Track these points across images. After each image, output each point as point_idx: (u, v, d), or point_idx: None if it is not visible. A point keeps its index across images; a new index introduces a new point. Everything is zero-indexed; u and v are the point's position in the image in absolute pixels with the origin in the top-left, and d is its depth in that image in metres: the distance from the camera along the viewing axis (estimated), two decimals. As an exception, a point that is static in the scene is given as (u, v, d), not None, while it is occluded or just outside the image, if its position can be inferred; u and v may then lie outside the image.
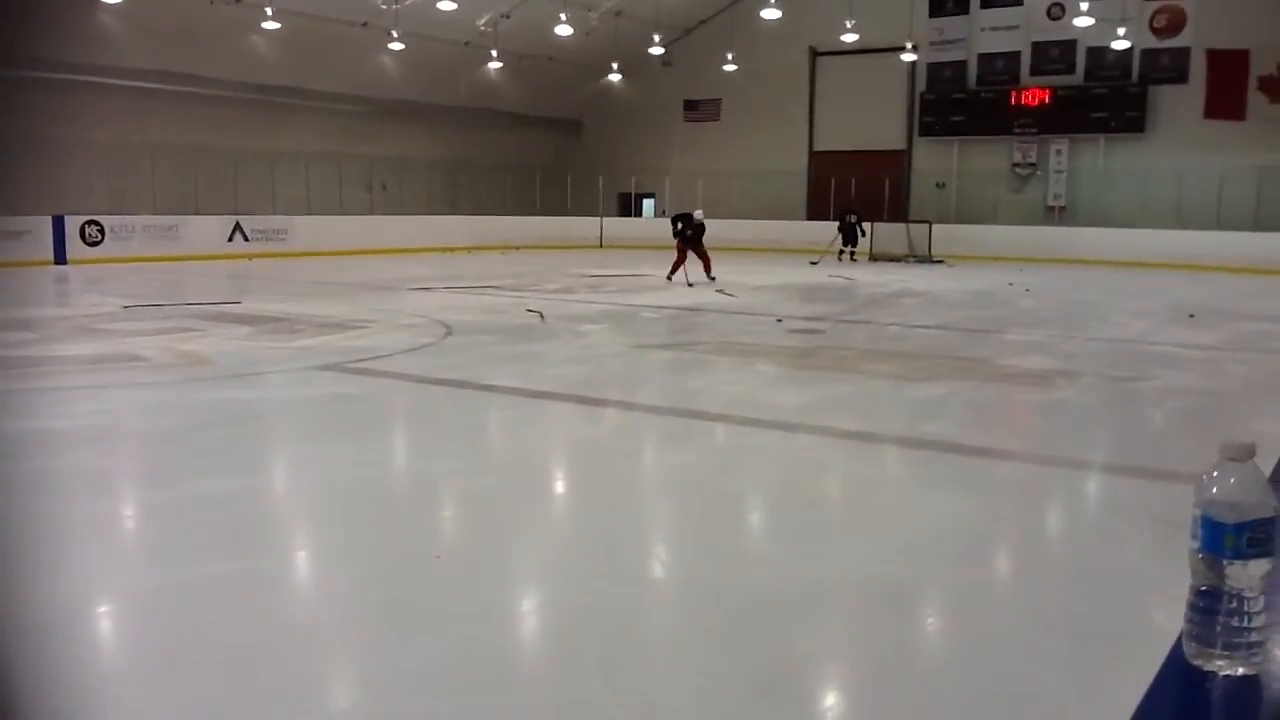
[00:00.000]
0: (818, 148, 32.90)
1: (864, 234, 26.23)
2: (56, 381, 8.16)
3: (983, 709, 2.97)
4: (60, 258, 20.52)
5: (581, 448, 6.52)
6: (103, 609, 3.79)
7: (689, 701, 3.04)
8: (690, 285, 17.24)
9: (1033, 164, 29.61)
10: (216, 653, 3.30)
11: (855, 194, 29.82)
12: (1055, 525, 5.04)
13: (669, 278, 18.03)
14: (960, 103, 30.40)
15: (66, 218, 20.80)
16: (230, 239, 23.92)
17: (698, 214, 18.62)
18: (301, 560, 4.42)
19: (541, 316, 12.49)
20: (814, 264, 21.33)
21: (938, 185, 30.79)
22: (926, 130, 31.05)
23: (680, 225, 18.44)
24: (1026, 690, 3.09)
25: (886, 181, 30.44)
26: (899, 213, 29.81)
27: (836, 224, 26.19)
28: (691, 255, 18.26)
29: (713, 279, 17.95)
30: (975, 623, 3.64)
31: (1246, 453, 1.46)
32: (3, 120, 20.11)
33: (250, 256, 23.57)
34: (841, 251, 24.92)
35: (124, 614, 3.76)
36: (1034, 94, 29.37)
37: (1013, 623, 3.63)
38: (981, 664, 3.29)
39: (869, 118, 31.63)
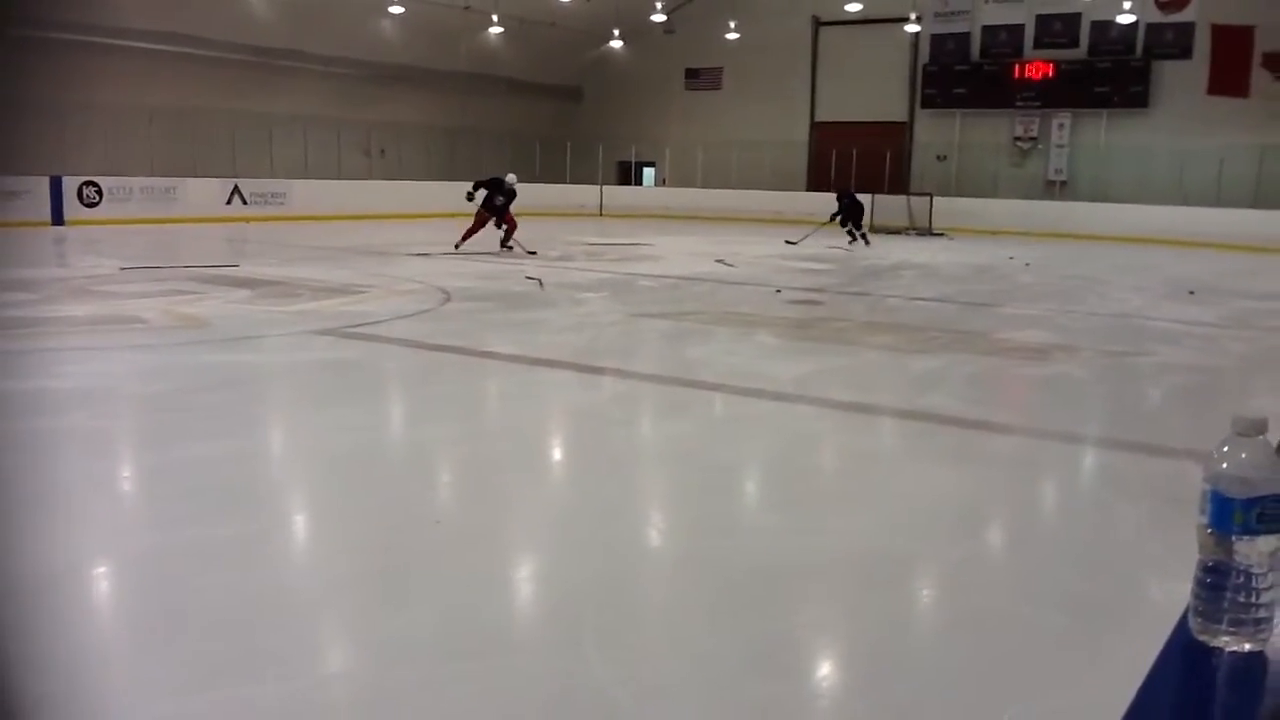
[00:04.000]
0: (819, 118, 32.73)
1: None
2: (54, 342, 8.13)
3: (977, 683, 2.98)
4: (58, 219, 20.42)
5: (579, 416, 6.51)
6: (97, 570, 3.79)
7: (684, 671, 3.04)
8: (532, 253, 16.25)
9: (1034, 138, 29.49)
10: (211, 616, 3.30)
11: (856, 165, 29.70)
12: (1052, 499, 5.05)
13: (457, 246, 16.55)
14: (963, 75, 30.24)
15: (64, 179, 20.68)
16: (229, 202, 23.81)
17: (510, 178, 17.06)
18: (297, 525, 4.42)
19: (540, 284, 12.46)
20: (791, 244, 20.40)
21: (939, 158, 30.68)
22: (928, 102, 30.89)
23: (488, 193, 16.83)
24: (1022, 665, 3.10)
25: (888, 153, 30.32)
26: (900, 185, 29.72)
27: (837, 203, 24.85)
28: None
29: (509, 247, 16.76)
30: (970, 596, 3.65)
31: (1258, 428, 1.45)
32: (1, 80, 19.96)
33: (248, 220, 23.47)
34: (851, 232, 22.98)
35: (118, 576, 3.76)
36: (1037, 67, 29.20)
37: (1008, 597, 3.64)
38: (976, 638, 3.30)
39: (871, 89, 31.45)
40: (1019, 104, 29.49)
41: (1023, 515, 4.69)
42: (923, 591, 3.80)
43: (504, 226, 16.83)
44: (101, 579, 3.75)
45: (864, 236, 21.65)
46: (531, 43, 32.02)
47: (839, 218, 21.69)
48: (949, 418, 6.32)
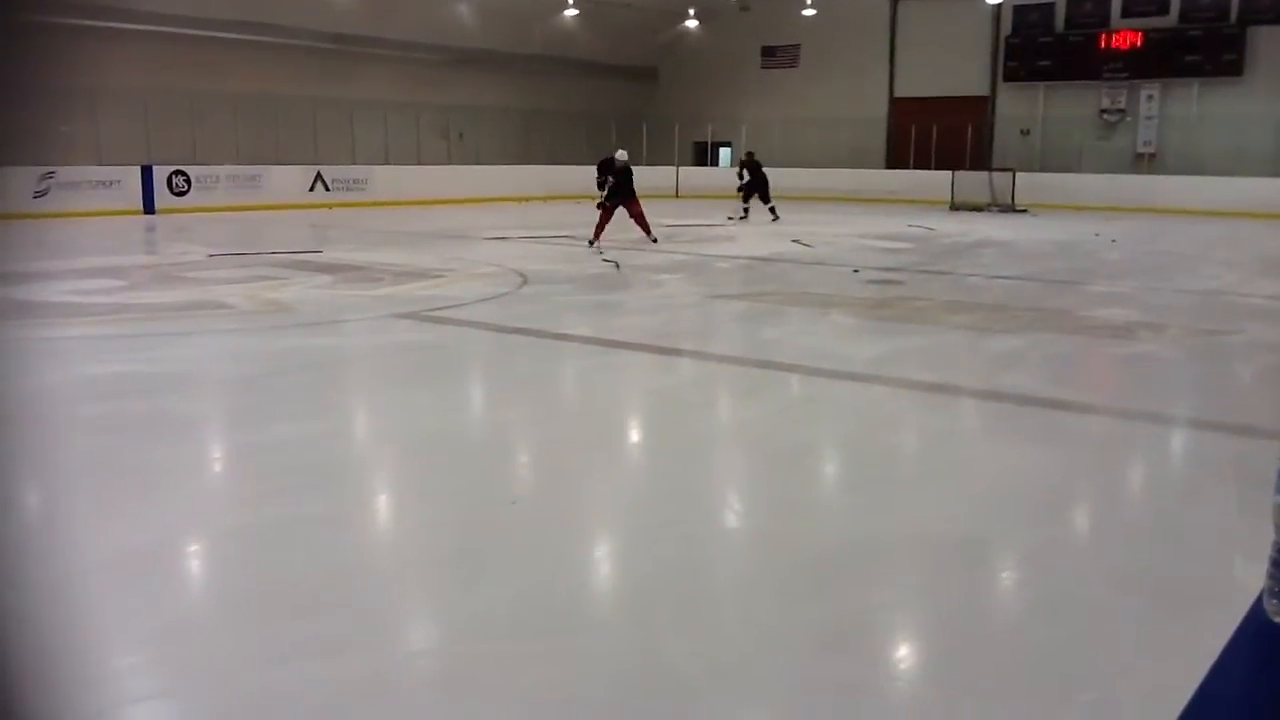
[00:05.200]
0: (898, 94, 32.22)
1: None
2: (145, 328, 8.39)
3: (1055, 666, 2.95)
4: (149, 207, 21.00)
5: (655, 397, 6.54)
6: (188, 548, 3.92)
7: (758, 650, 3.07)
8: (604, 259, 13.40)
9: (1122, 110, 28.68)
10: (296, 593, 3.40)
11: (936, 141, 29.21)
12: (1133, 480, 4.95)
13: (591, 243, 14.57)
14: (1047, 47, 29.50)
15: (154, 168, 21.25)
16: (311, 189, 24.25)
17: (620, 155, 15.34)
18: (379, 504, 4.53)
19: (617, 266, 12.50)
20: (733, 220, 19.49)
21: (1022, 132, 30.01)
22: (1011, 75, 30.21)
23: (603, 177, 15.36)
24: (1099, 646, 3.06)
25: (969, 128, 29.74)
26: (981, 160, 29.15)
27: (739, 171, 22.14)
28: (623, 214, 15.04)
29: (655, 239, 15.19)
30: (1049, 579, 3.61)
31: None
32: (92, 73, 20.58)
33: (331, 206, 23.89)
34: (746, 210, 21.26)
35: (208, 553, 3.90)
36: (1125, 37, 28.37)
37: (1088, 579, 3.59)
38: (1055, 620, 3.26)
39: (951, 63, 30.84)
40: (1106, 75, 28.69)
41: (1104, 497, 4.62)
42: (1001, 573, 3.76)
43: (634, 218, 15.08)
44: (192, 556, 3.88)
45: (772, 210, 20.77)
46: (606, 24, 31.99)
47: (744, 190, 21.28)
48: (1030, 398, 6.22)
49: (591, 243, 14.55)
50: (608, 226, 14.77)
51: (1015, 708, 2.73)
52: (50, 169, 19.46)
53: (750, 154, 22.08)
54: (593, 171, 17.33)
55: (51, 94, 19.78)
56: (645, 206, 15.26)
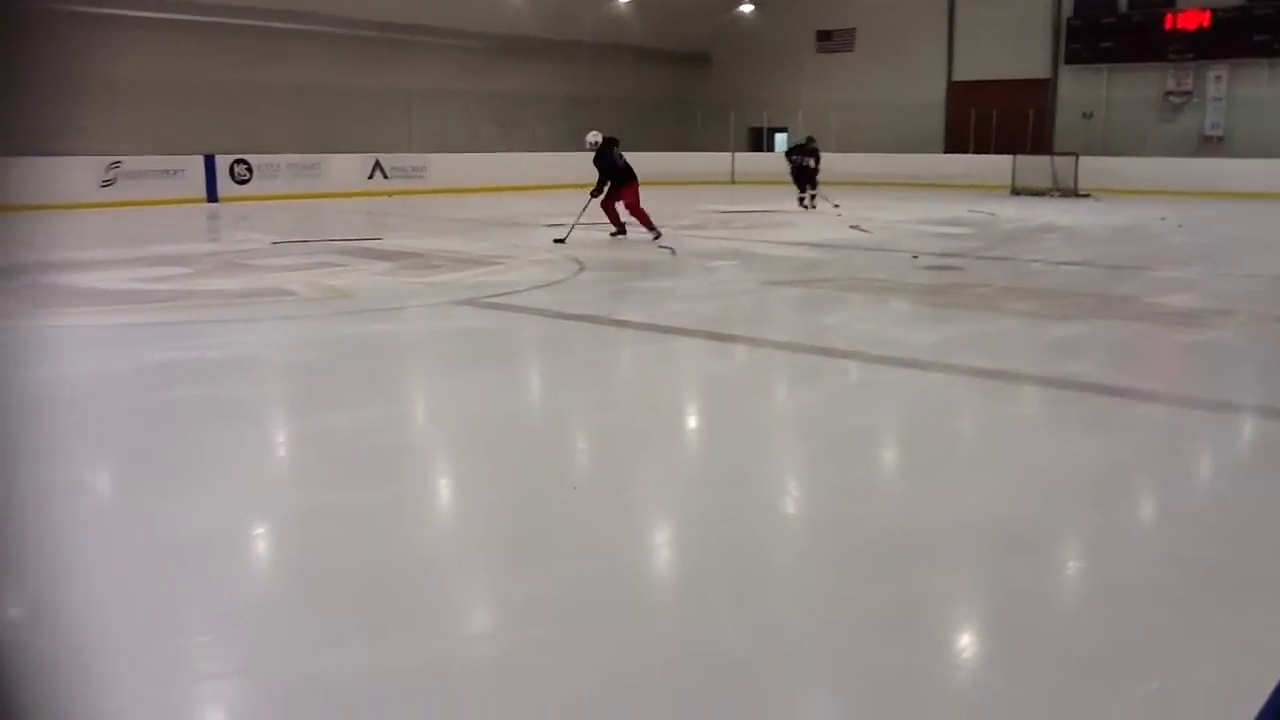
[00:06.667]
0: (956, 78, 31.80)
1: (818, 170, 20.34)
2: (209, 314, 8.55)
3: (1115, 655, 2.92)
4: (211, 195, 21.35)
5: (711, 383, 6.55)
6: (251, 531, 4.00)
7: (815, 637, 3.07)
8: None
9: (1188, 92, 28.04)
10: (357, 576, 3.46)
11: (996, 125, 28.80)
12: (1196, 469, 4.87)
13: (656, 239, 13.59)
14: (1110, 28, 28.90)
15: (217, 157, 21.60)
16: (370, 176, 24.50)
17: (590, 137, 14.10)
18: (439, 489, 4.59)
19: (673, 253, 12.49)
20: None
21: (1084, 115, 29.46)
22: (1073, 58, 29.65)
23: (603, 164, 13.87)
24: (1162, 635, 3.03)
25: (1030, 112, 29.27)
26: (1043, 145, 28.68)
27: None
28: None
29: (658, 237, 13.65)
30: (1110, 567, 3.57)
31: None
32: (156, 64, 20.97)
33: (390, 193, 24.12)
34: (801, 197, 20.09)
35: (269, 537, 3.97)
36: (1191, 17, 27.71)
37: (1149, 568, 3.55)
38: (1116, 610, 3.23)
39: (1011, 46, 30.34)
40: (1171, 56, 28.05)
41: (1166, 485, 4.55)
42: (1060, 561, 3.73)
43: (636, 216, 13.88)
44: (253, 539, 3.96)
45: (811, 199, 19.86)
46: (659, 9, 31.91)
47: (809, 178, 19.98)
48: (1092, 385, 6.14)
49: (623, 233, 13.91)
50: (638, 213, 13.80)
51: (1079, 695, 2.71)
52: (116, 159, 19.87)
53: (810, 139, 20.91)
54: (647, 160, 16.94)
55: (117, 85, 20.21)
56: (701, 192, 15.09)
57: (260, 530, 4.02)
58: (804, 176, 20.10)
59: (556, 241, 13.29)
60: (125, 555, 3.68)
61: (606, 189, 13.83)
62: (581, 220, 13.61)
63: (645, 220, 13.81)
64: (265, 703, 2.76)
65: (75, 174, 19.31)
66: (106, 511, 4.27)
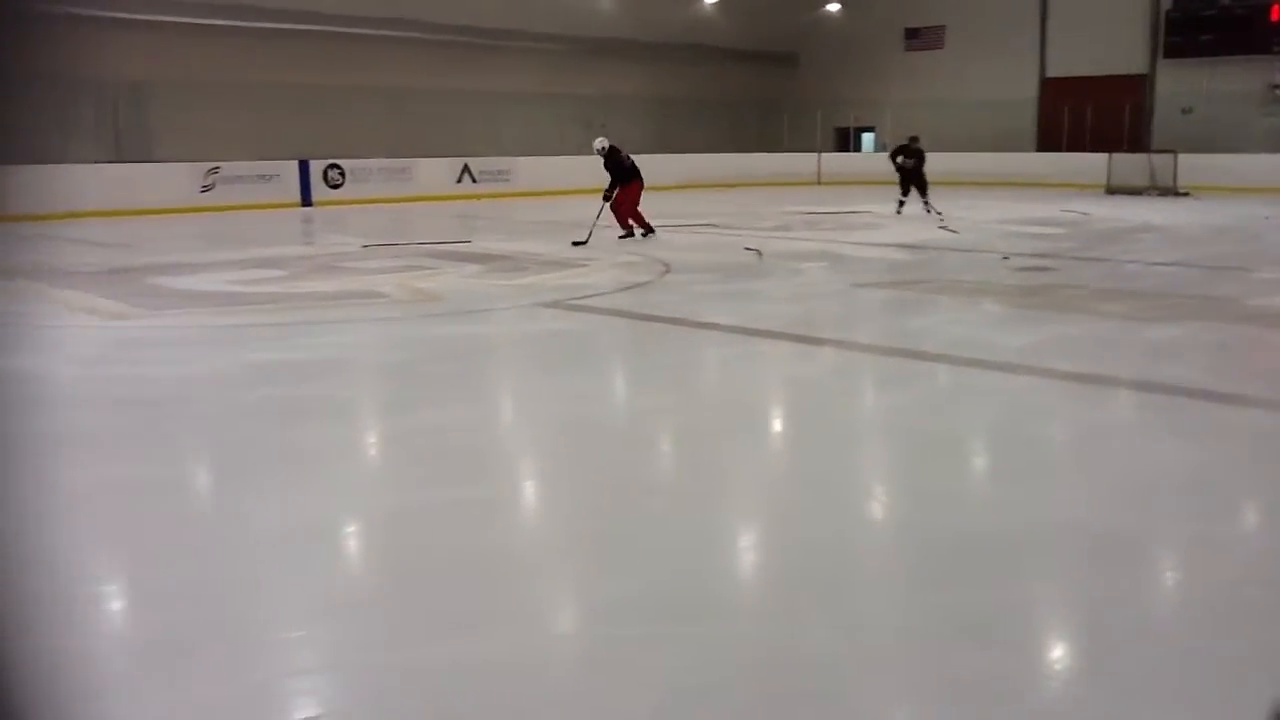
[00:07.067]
0: (1050, 74, 31.15)
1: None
2: (304, 316, 8.77)
3: (1208, 666, 2.85)
4: (306, 199, 21.88)
5: (797, 386, 6.53)
6: (342, 529, 4.10)
7: (900, 640, 3.05)
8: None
9: (1295, 85, 27.12)
10: (445, 574, 3.53)
11: (1091, 122, 28.15)
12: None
13: (628, 235, 14.14)
14: (1210, 20, 28.05)
15: (311, 162, 22.13)
16: (459, 180, 24.86)
17: (597, 144, 14.51)
18: (526, 489, 4.66)
19: (759, 255, 12.46)
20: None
21: (1184, 111, 28.64)
22: (1172, 51, 28.83)
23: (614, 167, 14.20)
24: (1249, 650, 2.94)
25: (1126, 108, 28.55)
26: (1139, 142, 27.95)
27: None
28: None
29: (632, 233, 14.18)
30: (1203, 577, 3.49)
31: None
32: (254, 71, 21.58)
33: (478, 197, 24.44)
34: (902, 200, 18.84)
35: (360, 534, 4.08)
36: (1298, 6, 26.79)
37: (1244, 578, 3.46)
38: (1209, 620, 3.15)
39: (1107, 40, 29.61)
40: (1275, 49, 27.12)
41: (1265, 494, 4.41)
42: (1154, 570, 3.65)
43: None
44: (346, 536, 4.07)
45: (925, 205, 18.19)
46: (745, 9, 31.82)
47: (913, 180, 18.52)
48: (1189, 390, 5.98)
49: (630, 234, 14.08)
50: (632, 213, 14.18)
51: (1168, 711, 2.65)
52: (215, 164, 20.48)
53: (913, 139, 19.30)
54: (732, 161, 16.96)
55: (216, 92, 20.86)
56: (787, 193, 15.05)
57: (352, 527, 4.13)
58: (903, 179, 18.90)
59: (576, 244, 13.40)
60: (222, 549, 3.81)
61: (616, 191, 14.15)
62: (600, 223, 13.74)
63: (626, 218, 14.12)
64: (356, 697, 2.83)
65: (177, 179, 19.98)
66: (205, 506, 4.43)
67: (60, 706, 2.72)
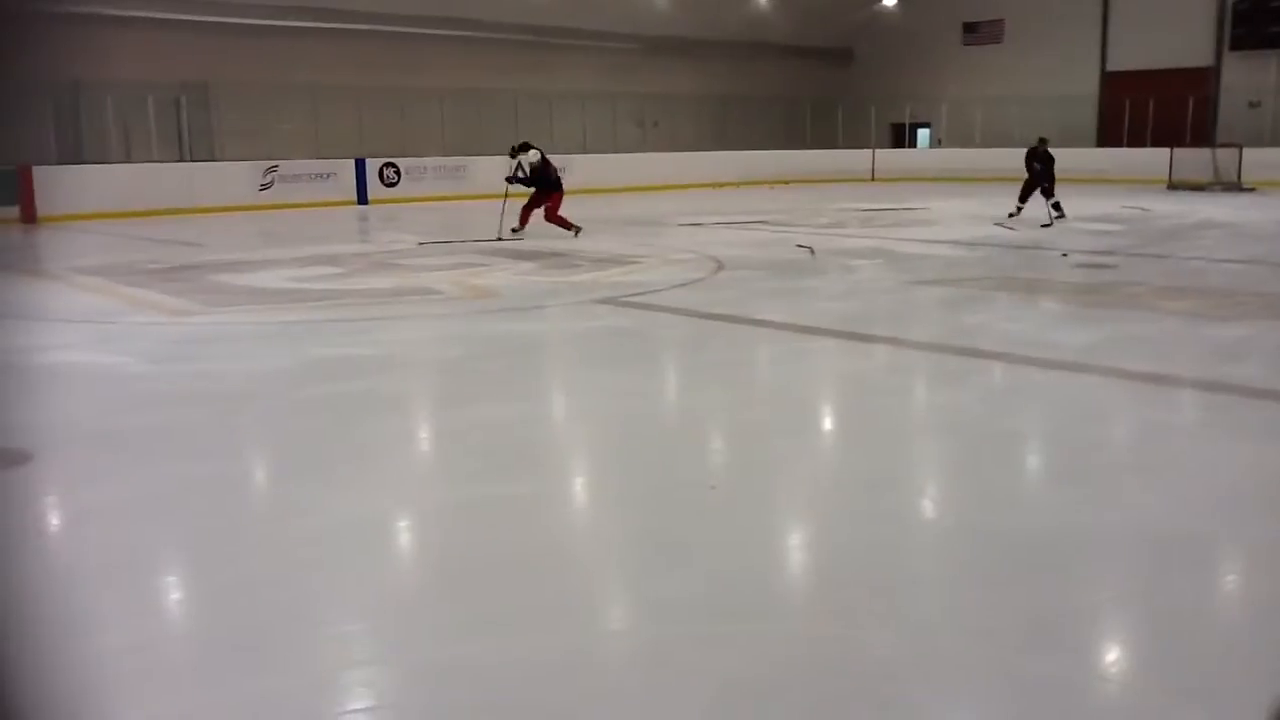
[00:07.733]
0: (1111, 68, 30.62)
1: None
2: (359, 312, 8.87)
3: (1268, 674, 2.78)
4: (362, 198, 22.13)
5: (851, 384, 6.48)
6: (396, 523, 4.14)
7: (958, 642, 3.01)
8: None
9: (1366, 77, 26.42)
10: (498, 569, 3.54)
11: (1153, 117, 27.62)
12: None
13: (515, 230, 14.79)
14: (1279, 12, 27.43)
15: (367, 161, 22.37)
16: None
17: (531, 156, 15.12)
18: (579, 485, 4.67)
19: (812, 252, 12.39)
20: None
21: (1251, 105, 28.01)
22: (1238, 43, 28.23)
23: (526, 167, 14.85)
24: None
25: (1190, 102, 27.99)
26: (1203, 136, 27.39)
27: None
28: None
29: (516, 231, 14.67)
30: (1266, 582, 3.40)
31: None
32: (311, 72, 21.85)
33: (525, 196, 24.53)
34: (1019, 206, 16.89)
35: (413, 528, 4.11)
36: (1371, -2, 26.09)
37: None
38: (1271, 627, 3.08)
39: (1170, 33, 29.05)
40: (1348, 40, 26.48)
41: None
42: (1220, 573, 3.57)
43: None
44: (400, 531, 4.10)
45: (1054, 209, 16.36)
46: (801, 6, 31.66)
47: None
48: (1258, 390, 5.85)
49: (521, 231, 14.72)
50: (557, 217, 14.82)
51: (1238, 717, 2.59)
52: (274, 163, 20.80)
53: (1043, 140, 17.35)
54: (786, 158, 16.89)
55: (275, 93, 21.18)
56: (838, 190, 15.00)
57: (406, 521, 4.16)
58: (1029, 184, 16.90)
59: (513, 231, 14.41)
60: (280, 542, 3.86)
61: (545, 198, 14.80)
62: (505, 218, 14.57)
63: (525, 219, 14.90)
64: (410, 690, 2.85)
65: (237, 178, 20.32)
66: (265, 500, 4.49)
67: (121, 699, 2.78)
